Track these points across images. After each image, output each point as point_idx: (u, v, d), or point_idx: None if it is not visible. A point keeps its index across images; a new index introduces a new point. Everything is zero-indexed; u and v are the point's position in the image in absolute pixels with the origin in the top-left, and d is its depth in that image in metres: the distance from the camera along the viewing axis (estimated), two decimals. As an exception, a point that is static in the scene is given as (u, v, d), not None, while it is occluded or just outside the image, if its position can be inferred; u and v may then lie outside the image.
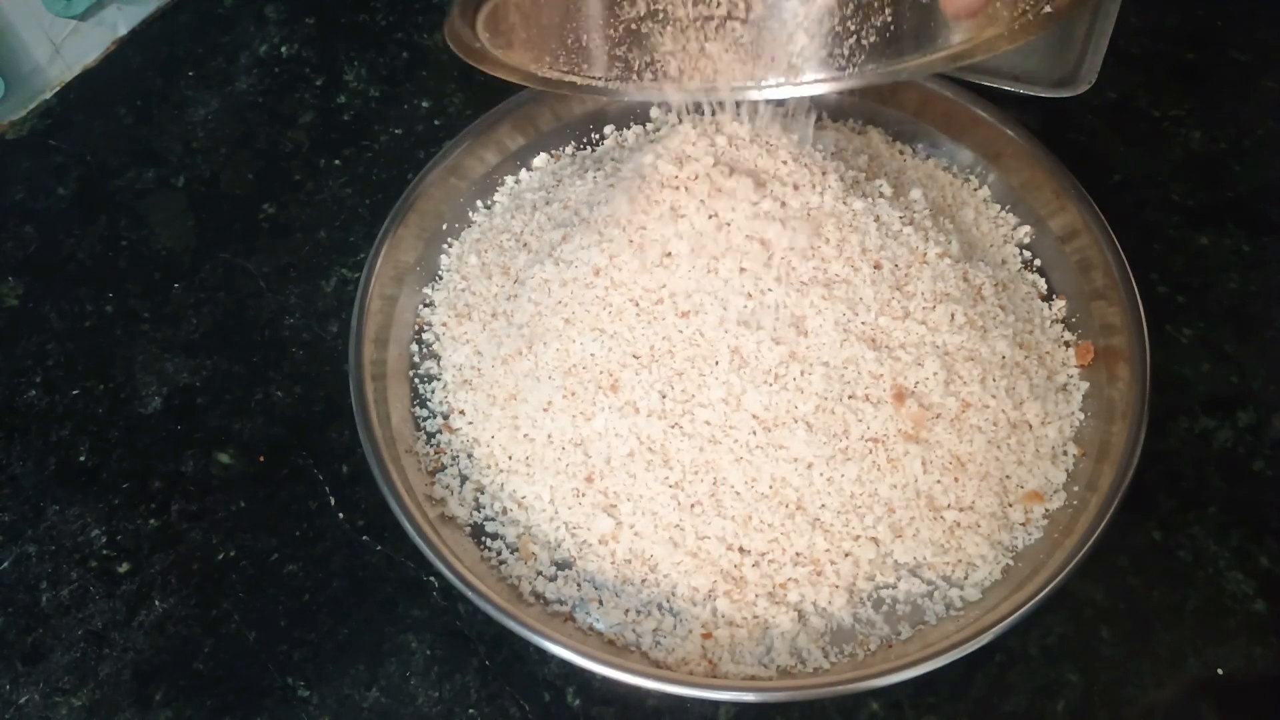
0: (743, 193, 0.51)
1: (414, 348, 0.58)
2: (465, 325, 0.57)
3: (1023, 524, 0.51)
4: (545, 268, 0.55)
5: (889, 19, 0.46)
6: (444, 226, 0.61)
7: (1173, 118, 0.67)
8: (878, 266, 0.51)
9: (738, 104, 0.52)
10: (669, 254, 0.51)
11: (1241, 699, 0.48)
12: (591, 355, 0.51)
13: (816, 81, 0.48)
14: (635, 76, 0.50)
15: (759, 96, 0.50)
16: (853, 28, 0.46)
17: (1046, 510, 0.51)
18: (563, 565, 0.50)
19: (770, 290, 0.50)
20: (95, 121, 0.69)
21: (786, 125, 0.53)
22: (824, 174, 0.53)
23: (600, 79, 0.51)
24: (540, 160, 0.64)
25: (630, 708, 0.49)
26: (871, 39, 0.47)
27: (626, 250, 0.52)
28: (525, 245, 0.59)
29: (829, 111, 0.64)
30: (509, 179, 0.64)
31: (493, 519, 0.52)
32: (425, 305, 0.59)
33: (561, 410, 0.52)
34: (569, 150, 0.65)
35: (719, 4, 0.46)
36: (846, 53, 0.47)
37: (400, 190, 0.59)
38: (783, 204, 0.51)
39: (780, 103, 0.52)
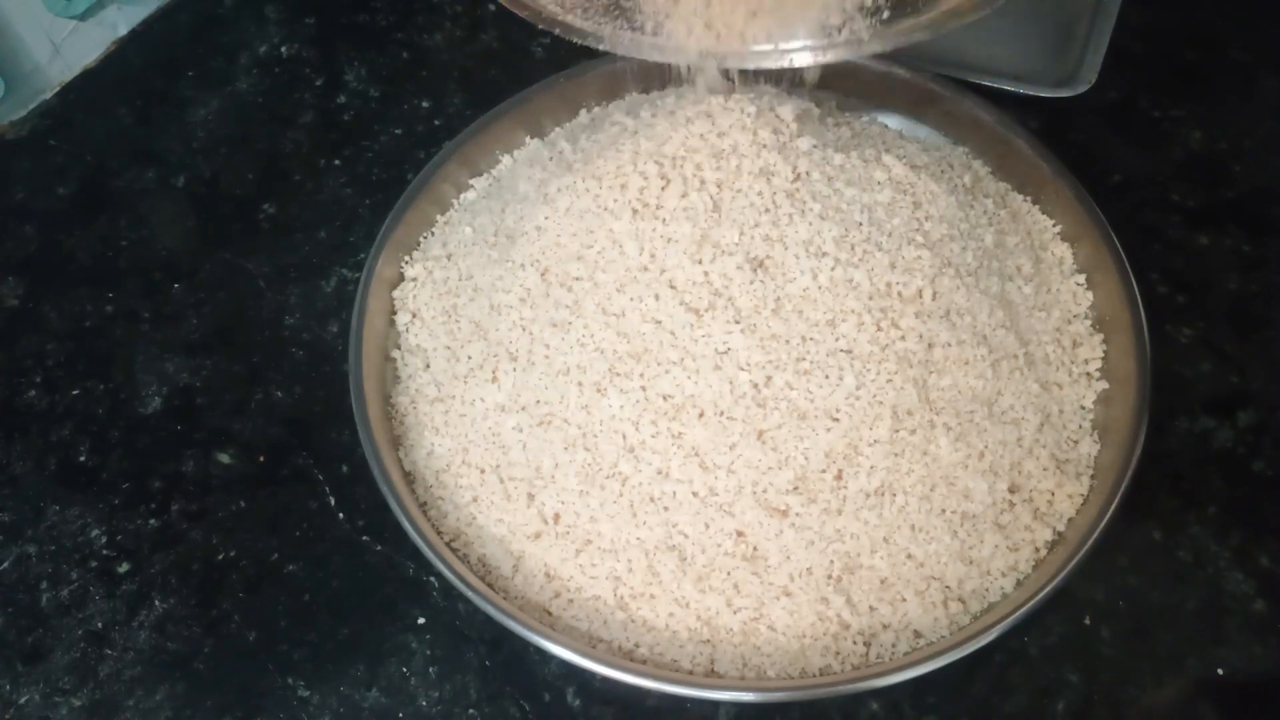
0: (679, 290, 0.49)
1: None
2: (435, 332, 0.56)
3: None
4: (478, 300, 0.54)
5: None
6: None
7: (1173, 118, 0.66)
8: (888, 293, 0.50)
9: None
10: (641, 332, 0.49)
11: (1241, 699, 0.48)
12: (545, 388, 0.50)
13: (824, 48, 0.45)
14: (638, 31, 0.46)
15: (770, 63, 0.46)
16: None
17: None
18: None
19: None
20: (95, 121, 0.69)
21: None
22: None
23: (602, 32, 0.47)
24: (533, 145, 0.62)
25: (630, 708, 0.49)
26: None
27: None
28: (481, 245, 0.57)
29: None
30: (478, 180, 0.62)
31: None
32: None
33: (532, 436, 0.50)
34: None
35: None
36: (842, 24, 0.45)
37: (400, 190, 0.59)
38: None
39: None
